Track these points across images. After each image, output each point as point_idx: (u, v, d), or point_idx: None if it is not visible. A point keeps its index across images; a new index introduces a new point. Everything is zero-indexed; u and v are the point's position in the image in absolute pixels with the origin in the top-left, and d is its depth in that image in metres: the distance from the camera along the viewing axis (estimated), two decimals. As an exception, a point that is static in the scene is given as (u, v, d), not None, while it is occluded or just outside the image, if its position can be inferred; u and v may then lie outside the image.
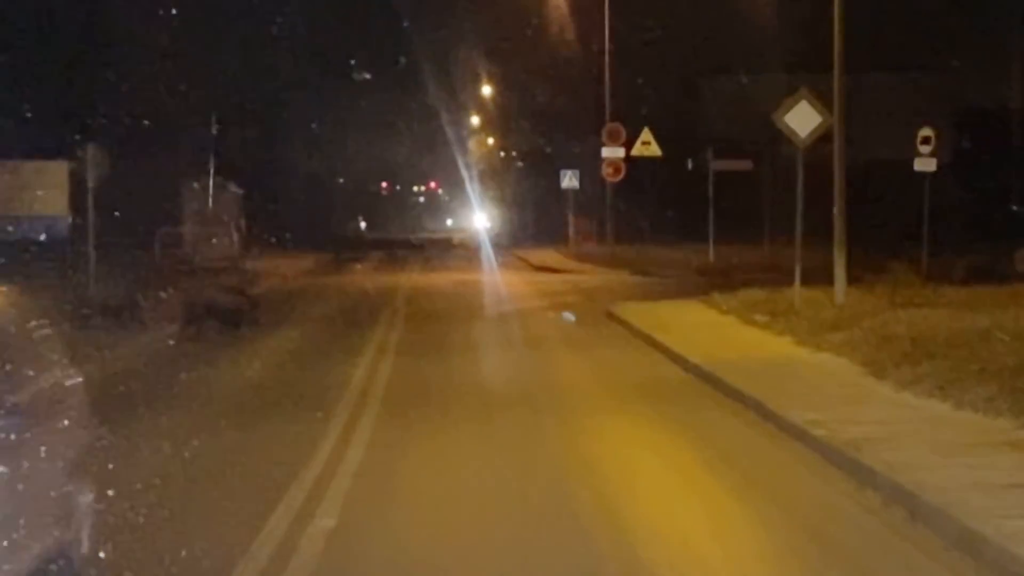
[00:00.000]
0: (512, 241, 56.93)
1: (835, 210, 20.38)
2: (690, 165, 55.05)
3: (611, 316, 22.93)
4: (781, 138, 49.59)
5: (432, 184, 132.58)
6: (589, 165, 47.41)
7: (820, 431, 10.80)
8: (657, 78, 53.24)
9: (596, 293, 29.11)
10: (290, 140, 67.55)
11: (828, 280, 20.83)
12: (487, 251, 50.39)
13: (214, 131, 49.34)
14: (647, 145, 39.73)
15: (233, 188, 45.01)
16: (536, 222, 61.70)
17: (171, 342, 19.82)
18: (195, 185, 42.93)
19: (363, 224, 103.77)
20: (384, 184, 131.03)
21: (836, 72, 20.18)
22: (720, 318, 20.93)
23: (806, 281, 24.81)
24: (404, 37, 61.75)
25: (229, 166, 47.51)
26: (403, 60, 61.78)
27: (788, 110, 19.42)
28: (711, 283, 29.63)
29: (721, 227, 39.05)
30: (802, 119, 19.29)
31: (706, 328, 19.53)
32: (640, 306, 24.01)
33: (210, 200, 43.18)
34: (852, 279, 20.97)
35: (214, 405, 13.85)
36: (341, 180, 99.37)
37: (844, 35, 20.26)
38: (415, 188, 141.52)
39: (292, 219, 61.73)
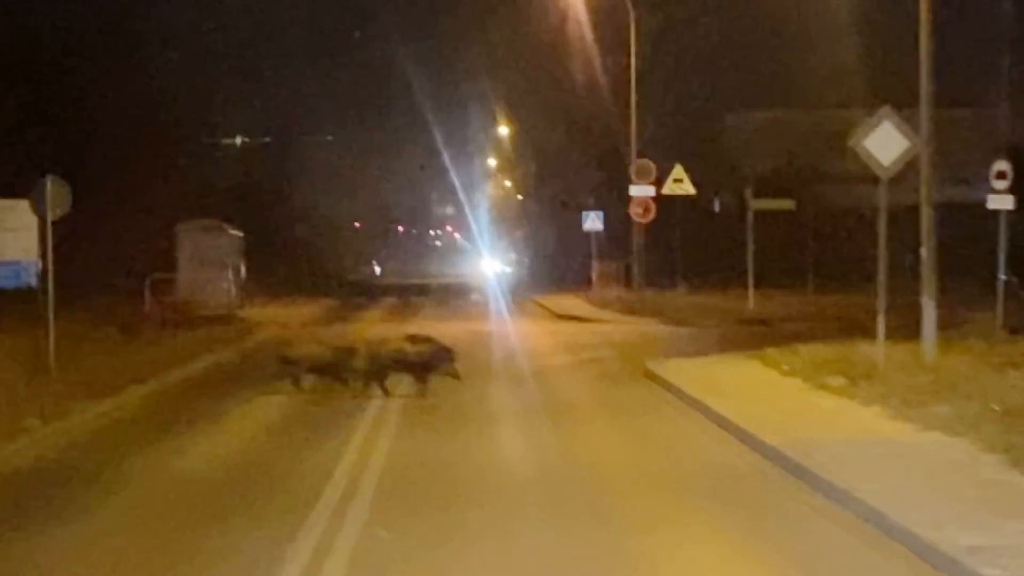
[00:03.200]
0: (532, 286, 53.71)
1: (922, 251, 17.09)
2: (717, 206, 52.06)
3: (650, 375, 19.67)
4: (822, 177, 46.84)
5: (449, 228, 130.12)
6: (614, 206, 44.34)
7: (994, 572, 7.48)
8: (683, 113, 50.38)
9: (628, 346, 25.85)
10: (300, 181, 64.70)
11: (900, 334, 17.65)
12: (505, 298, 47.26)
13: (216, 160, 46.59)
14: (679, 183, 36.46)
15: (232, 230, 41.98)
16: (558, 266, 58.51)
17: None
18: (191, 227, 39.95)
19: (378, 268, 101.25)
20: (400, 228, 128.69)
21: (923, 93, 16.94)
22: (783, 380, 17.58)
23: (866, 334, 21.77)
24: (419, 79, 59.00)
25: (229, 206, 44.53)
26: (418, 100, 59.19)
27: (868, 133, 16.11)
28: (757, 335, 26.45)
29: (758, 272, 35.85)
30: (884, 144, 16.02)
31: (770, 393, 16.21)
32: (683, 363, 20.72)
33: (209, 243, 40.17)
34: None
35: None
36: (356, 224, 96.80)
37: (932, 58, 17.07)
38: (432, 232, 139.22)
39: (300, 264, 58.85)
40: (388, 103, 66.96)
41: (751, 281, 34.82)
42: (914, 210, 25.54)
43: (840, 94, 47.09)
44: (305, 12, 58.21)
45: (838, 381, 16.33)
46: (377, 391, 17.71)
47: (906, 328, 18.11)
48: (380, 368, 18.05)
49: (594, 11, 45.65)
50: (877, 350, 16.87)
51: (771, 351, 20.45)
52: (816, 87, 49.89)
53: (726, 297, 36.79)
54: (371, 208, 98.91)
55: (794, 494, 10.73)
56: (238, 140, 57.13)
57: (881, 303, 16.50)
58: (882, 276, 16.52)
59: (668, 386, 18.08)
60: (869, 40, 43.59)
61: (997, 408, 12.88)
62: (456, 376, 18.16)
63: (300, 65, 58.73)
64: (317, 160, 67.70)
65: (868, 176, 45.80)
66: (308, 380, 18.18)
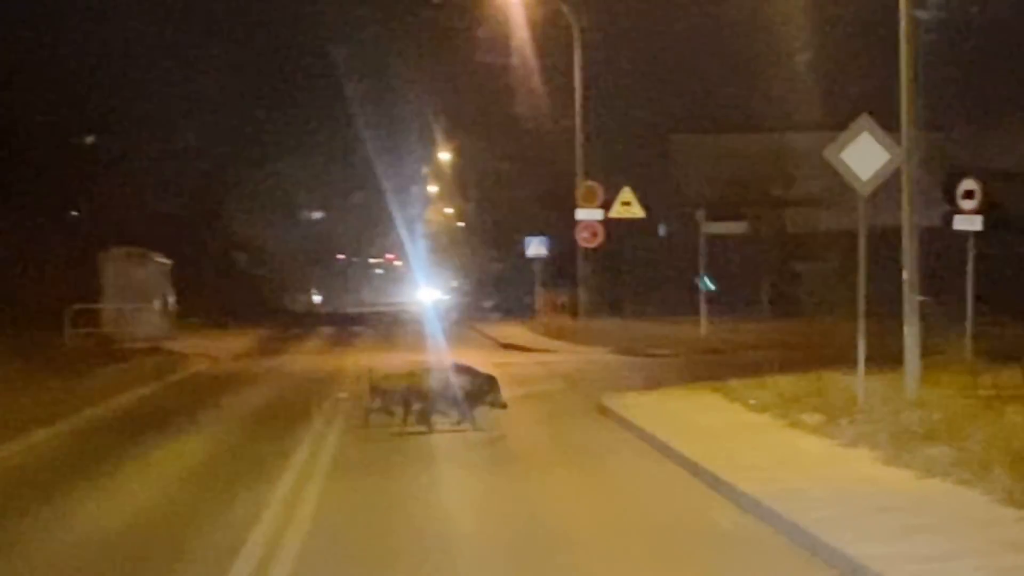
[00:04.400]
0: (475, 315, 52.10)
1: (904, 274, 15.62)
2: (662, 231, 50.82)
3: (606, 412, 18.11)
4: (772, 201, 45.64)
5: (389, 256, 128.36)
6: (559, 231, 42.93)
7: None
8: (629, 136, 49.16)
9: (578, 378, 24.31)
10: (236, 208, 62.86)
11: (870, 363, 16.21)
12: (447, 326, 45.61)
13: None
14: (627, 206, 35.00)
15: (160, 258, 40.20)
16: (501, 294, 56.97)
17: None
18: (115, 254, 38.16)
19: (317, 297, 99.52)
20: (340, 256, 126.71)
21: (903, 102, 15.52)
22: (752, 417, 16.04)
23: (830, 364, 20.36)
24: (355, 103, 57.40)
25: (160, 233, 42.74)
26: (356, 128, 57.74)
27: (845, 145, 14.60)
28: (713, 364, 24.99)
29: (709, 298, 34.51)
30: (863, 156, 14.53)
31: (741, 434, 14.66)
32: (639, 397, 19.19)
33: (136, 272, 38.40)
34: (892, 361, 16.38)
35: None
36: (294, 253, 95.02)
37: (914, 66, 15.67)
38: (373, 260, 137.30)
39: (235, 293, 57.01)
40: (328, 129, 65.12)
41: (703, 308, 33.41)
42: (883, 232, 24.19)
43: (790, 117, 46.09)
44: (243, 38, 56.45)
45: (814, 418, 14.83)
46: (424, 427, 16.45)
47: (877, 357, 16.72)
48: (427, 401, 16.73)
49: (538, 34, 44.31)
50: (856, 383, 15.38)
51: (735, 383, 18.97)
52: (764, 110, 48.88)
53: (677, 324, 35.38)
54: (311, 236, 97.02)
55: (791, 561, 9.14)
56: (172, 167, 55.30)
57: (861, 330, 14.99)
58: (861, 301, 15.00)
59: (626, 424, 16.52)
60: (819, 63, 42.56)
61: (1001, 450, 11.39)
62: (503, 406, 16.77)
63: (238, 91, 56.76)
64: (254, 187, 65.87)
65: (819, 200, 44.53)
66: (399, 412, 16.74)
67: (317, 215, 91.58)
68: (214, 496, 12.38)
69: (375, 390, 16.97)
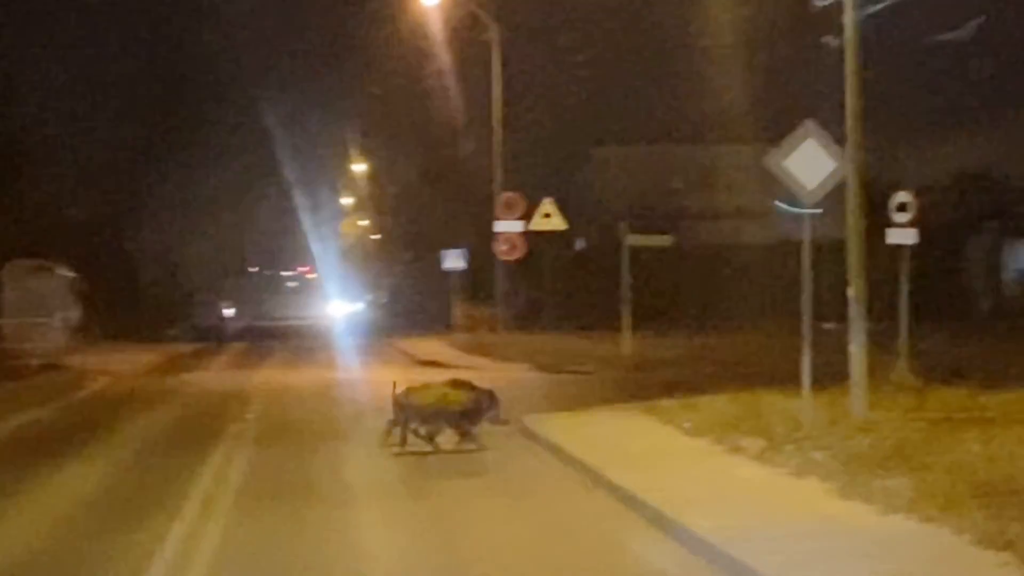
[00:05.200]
0: (391, 329, 50.87)
1: (849, 290, 14.71)
2: (580, 244, 49.98)
3: (530, 435, 17.04)
4: (691, 213, 44.89)
5: (303, 268, 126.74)
6: (478, 243, 41.93)
7: None
8: (548, 148, 48.32)
9: (500, 397, 23.20)
10: (145, 220, 61.14)
11: (793, 381, 15.48)
12: (363, 341, 44.44)
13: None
14: (549, 218, 33.96)
15: (63, 271, 38.67)
16: (418, 308, 55.82)
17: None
18: (15, 267, 36.62)
19: (229, 311, 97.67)
20: (254, 269, 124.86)
21: (849, 108, 14.63)
22: (688, 442, 15.03)
23: (758, 382, 19.58)
24: (268, 112, 56.13)
25: (60, 246, 41.16)
26: (269, 140, 56.49)
27: (789, 152, 13.65)
28: (638, 382, 24.05)
29: (631, 313, 33.54)
30: (808, 165, 13.61)
31: (679, 461, 13.65)
32: (566, 419, 18.15)
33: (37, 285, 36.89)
34: (828, 380, 15.54)
35: None
36: (206, 265, 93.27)
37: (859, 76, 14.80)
38: (286, 272, 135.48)
39: (144, 306, 55.42)
40: (240, 141, 63.62)
41: (626, 323, 32.45)
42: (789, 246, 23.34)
43: (713, 130, 45.51)
44: (152, 45, 54.92)
45: (756, 443, 13.86)
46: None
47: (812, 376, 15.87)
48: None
49: (457, 44, 43.32)
50: (798, 405, 14.45)
51: (666, 403, 18.04)
52: (685, 122, 48.25)
53: (598, 340, 34.39)
54: (223, 248, 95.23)
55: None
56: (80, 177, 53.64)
57: (806, 347, 14.01)
58: (807, 316, 14.04)
59: (553, 449, 15.48)
60: (744, 75, 41.97)
61: (967, 481, 10.49)
62: (504, 422, 16.01)
63: (148, 100, 55.20)
64: (165, 198, 64.18)
65: (741, 213, 43.58)
66: (422, 430, 15.70)
67: (230, 227, 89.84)
68: (107, 533, 11.20)
69: (399, 405, 15.82)
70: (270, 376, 29.89)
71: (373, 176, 68.13)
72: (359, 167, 69.99)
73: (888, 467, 11.62)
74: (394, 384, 16.00)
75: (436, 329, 44.55)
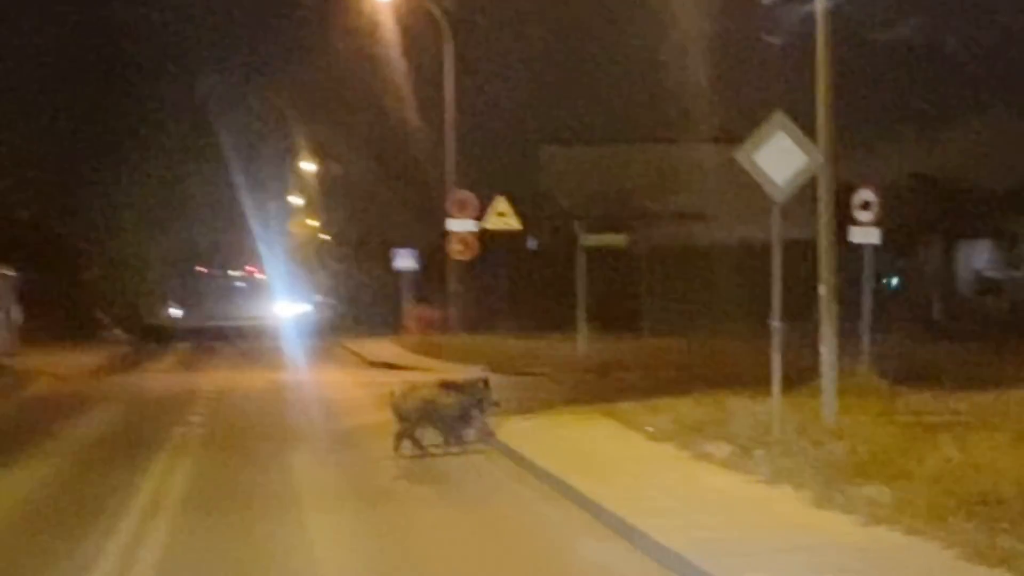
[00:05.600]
0: (342, 329, 50.09)
1: (820, 288, 14.19)
2: (532, 244, 49.46)
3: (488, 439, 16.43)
4: (646, 214, 44.41)
5: (252, 268, 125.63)
6: (430, 243, 41.34)
7: None
8: (501, 146, 47.81)
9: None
10: (87, 217, 60.05)
11: (756, 383, 15.04)
12: (313, 342, 43.68)
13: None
14: (503, 216, 33.36)
15: (4, 270, 37.72)
16: (370, 308, 55.09)
17: None
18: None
19: (177, 311, 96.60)
20: (202, 268, 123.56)
21: (820, 98, 14.10)
22: (653, 448, 14.47)
23: (720, 385, 19.13)
24: (214, 110, 55.24)
25: (3, 243, 40.21)
26: (216, 137, 55.62)
27: (759, 146, 13.08)
28: (596, 385, 23.53)
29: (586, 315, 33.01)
30: (779, 159, 13.04)
31: (645, 468, 13.06)
32: (525, 423, 17.54)
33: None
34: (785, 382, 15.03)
35: None
36: (153, 264, 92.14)
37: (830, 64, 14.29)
38: (235, 272, 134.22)
39: (88, 306, 54.43)
40: (188, 138, 62.54)
41: (581, 324, 31.89)
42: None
43: (669, 129, 45.10)
44: (93, 39, 53.85)
45: (723, 449, 13.32)
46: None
47: (767, 378, 15.42)
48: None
49: (409, 41, 42.70)
50: (767, 409, 13.90)
51: (627, 407, 17.49)
52: (639, 121, 47.82)
53: (553, 342, 33.79)
54: (171, 248, 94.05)
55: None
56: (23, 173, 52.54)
57: (776, 348, 13.42)
58: (776, 316, 13.45)
59: (511, 454, 14.88)
60: (699, 74, 41.56)
61: (948, 490, 9.99)
62: (496, 404, 15.66)
63: (92, 94, 54.22)
64: (110, 196, 63.08)
65: (696, 214, 42.92)
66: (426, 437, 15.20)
67: (177, 227, 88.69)
68: (36, 550, 10.50)
69: (398, 413, 15.30)
70: (217, 378, 29.14)
71: (323, 175, 67.33)
72: (309, 166, 69.15)
73: (865, 475, 11.10)
74: (392, 393, 15.45)
75: (386, 330, 43.87)
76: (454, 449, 15.25)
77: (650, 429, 15.41)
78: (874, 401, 15.80)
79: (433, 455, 15.18)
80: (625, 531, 10.16)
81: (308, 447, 16.86)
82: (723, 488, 11.60)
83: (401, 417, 15.28)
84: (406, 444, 15.18)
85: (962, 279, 49.32)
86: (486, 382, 15.68)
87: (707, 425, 14.79)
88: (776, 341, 13.28)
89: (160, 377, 30.55)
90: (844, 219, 22.49)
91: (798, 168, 13.07)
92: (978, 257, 50.04)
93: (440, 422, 15.25)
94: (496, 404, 15.72)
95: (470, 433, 15.53)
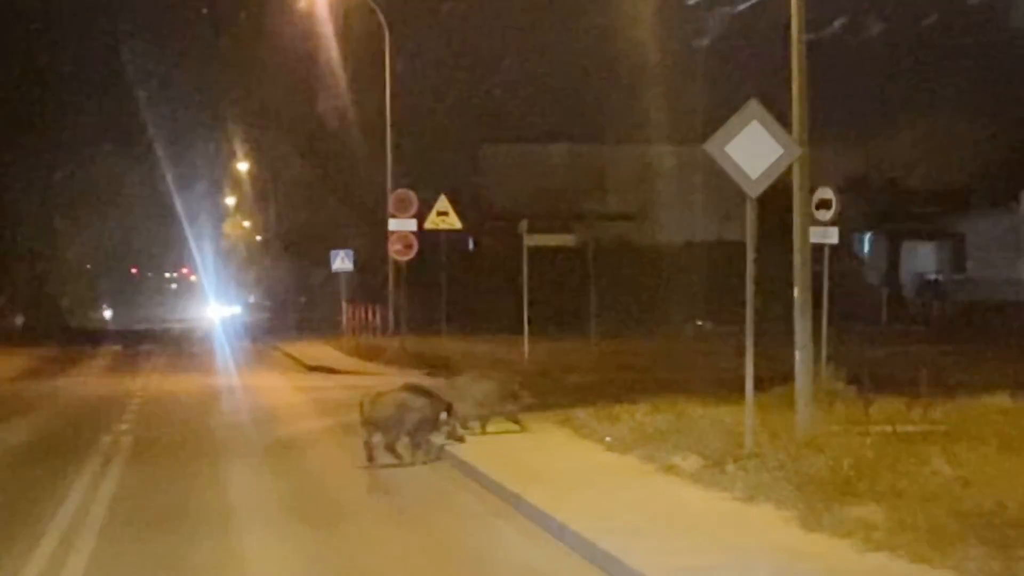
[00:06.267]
0: (277, 332, 48.89)
1: (795, 291, 13.32)
2: (471, 244, 48.67)
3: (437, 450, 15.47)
4: (591, 214, 43.62)
5: (186, 270, 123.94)
6: (369, 243, 40.36)
7: None
8: (440, 145, 46.92)
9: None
10: (14, 216, 58.53)
11: (713, 389, 14.43)
12: (248, 345, 42.55)
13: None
14: (444, 216, 32.37)
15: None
16: (306, 310, 53.96)
17: None
18: None
19: (108, 312, 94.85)
20: (134, 269, 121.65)
21: (795, 86, 13.26)
22: (614, 460, 13.53)
23: (673, 390, 18.31)
24: (146, 108, 53.86)
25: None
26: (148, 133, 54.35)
27: (731, 137, 12.18)
28: (547, 390, 22.56)
29: (530, 317, 32.11)
30: (752, 151, 12.15)
31: (608, 482, 12.12)
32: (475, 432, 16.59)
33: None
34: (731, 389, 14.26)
35: None
36: (83, 265, 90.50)
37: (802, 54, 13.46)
38: (167, 274, 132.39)
39: (14, 308, 53.01)
40: (120, 137, 61.07)
41: (527, 327, 30.98)
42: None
43: (615, 130, 44.46)
44: (20, 34, 52.42)
45: (691, 462, 12.40)
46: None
47: (729, 384, 14.62)
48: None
49: (348, 37, 41.76)
50: (739, 418, 13.02)
51: (582, 414, 16.55)
52: (585, 122, 47.17)
53: (498, 344, 32.88)
54: (101, 248, 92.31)
55: None
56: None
57: (749, 354, 12.50)
58: (750, 318, 12.54)
59: (464, 467, 13.91)
60: (640, 76, 40.96)
61: (949, 509, 9.15)
62: (460, 439, 14.62)
63: (21, 87, 52.78)
64: (37, 193, 61.49)
65: (633, 214, 41.99)
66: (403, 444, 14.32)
67: (108, 228, 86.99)
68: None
69: (371, 422, 14.34)
70: (148, 383, 27.98)
71: (258, 175, 66.11)
72: (243, 165, 67.90)
73: (853, 492, 10.23)
74: (361, 404, 14.41)
75: (324, 333, 42.81)
76: (426, 457, 14.32)
77: (609, 439, 14.51)
78: (842, 409, 14.94)
79: (378, 467, 14.20)
80: (596, 556, 9.23)
81: (243, 459, 15.81)
82: (697, 506, 10.69)
83: (375, 427, 14.28)
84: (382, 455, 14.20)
85: (907, 282, 49.02)
86: (451, 407, 14.69)
87: (670, 434, 13.90)
88: (748, 344, 12.39)
89: (90, 381, 29.34)
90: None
91: (773, 160, 12.18)
92: (923, 259, 49.76)
93: (414, 428, 14.26)
94: (461, 439, 14.85)
95: (439, 439, 14.60)
